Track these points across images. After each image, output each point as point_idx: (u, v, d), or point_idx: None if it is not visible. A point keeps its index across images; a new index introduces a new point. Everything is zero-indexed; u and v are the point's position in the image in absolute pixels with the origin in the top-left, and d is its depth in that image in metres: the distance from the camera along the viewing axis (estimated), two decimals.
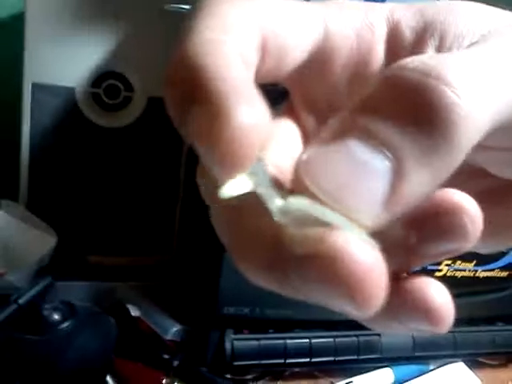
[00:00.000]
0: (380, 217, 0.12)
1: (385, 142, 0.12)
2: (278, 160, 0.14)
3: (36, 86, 0.48)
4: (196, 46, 0.12)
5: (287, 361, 0.48)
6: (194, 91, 0.12)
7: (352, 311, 0.12)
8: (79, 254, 0.54)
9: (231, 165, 0.12)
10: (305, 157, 0.13)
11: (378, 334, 0.51)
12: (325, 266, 0.11)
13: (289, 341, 0.48)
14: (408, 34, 0.15)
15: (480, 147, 0.13)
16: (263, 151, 0.12)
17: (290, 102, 0.17)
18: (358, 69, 0.16)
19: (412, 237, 0.14)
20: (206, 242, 0.50)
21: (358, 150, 0.12)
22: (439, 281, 0.14)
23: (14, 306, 0.43)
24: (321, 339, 0.49)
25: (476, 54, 0.13)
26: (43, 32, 0.47)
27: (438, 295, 0.13)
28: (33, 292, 0.45)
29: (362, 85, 0.16)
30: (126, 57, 0.50)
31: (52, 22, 0.47)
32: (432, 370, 0.53)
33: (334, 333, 0.50)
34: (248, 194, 0.13)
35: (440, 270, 0.50)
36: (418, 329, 0.13)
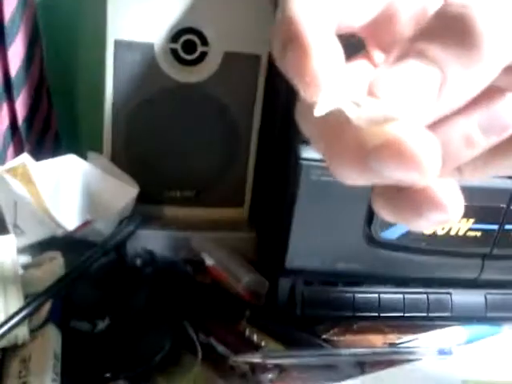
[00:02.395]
0: (434, 112, 0.17)
1: (434, 59, 0.16)
2: (357, 83, 0.19)
3: (118, 43, 0.50)
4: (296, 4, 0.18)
5: (355, 314, 0.49)
6: (291, 36, 0.17)
7: (417, 178, 0.16)
8: (157, 205, 0.57)
9: (315, 87, 0.17)
10: (376, 75, 0.17)
11: (449, 293, 0.50)
12: (395, 149, 0.16)
13: (358, 295, 0.49)
14: None
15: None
16: (341, 78, 0.17)
17: (366, 50, 0.23)
18: (420, 19, 0.21)
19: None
20: (278, 193, 0.51)
21: (416, 67, 0.17)
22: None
23: (100, 251, 0.47)
24: (390, 295, 0.49)
25: None
26: None
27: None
28: (117, 239, 0.48)
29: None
30: (203, 12, 0.50)
31: None
32: (504, 331, 0.52)
33: (404, 289, 0.50)
34: (333, 110, 0.17)
35: None
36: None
